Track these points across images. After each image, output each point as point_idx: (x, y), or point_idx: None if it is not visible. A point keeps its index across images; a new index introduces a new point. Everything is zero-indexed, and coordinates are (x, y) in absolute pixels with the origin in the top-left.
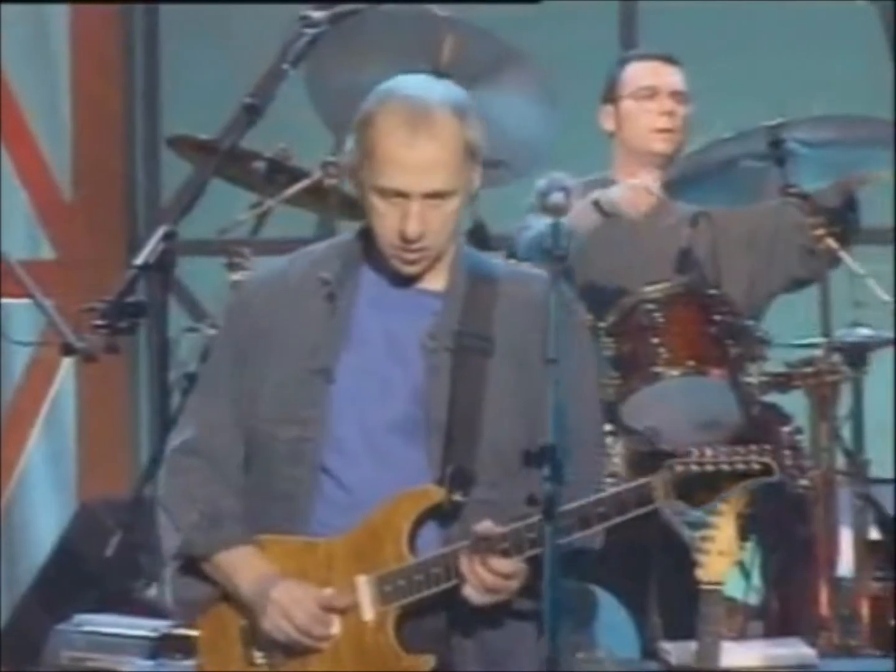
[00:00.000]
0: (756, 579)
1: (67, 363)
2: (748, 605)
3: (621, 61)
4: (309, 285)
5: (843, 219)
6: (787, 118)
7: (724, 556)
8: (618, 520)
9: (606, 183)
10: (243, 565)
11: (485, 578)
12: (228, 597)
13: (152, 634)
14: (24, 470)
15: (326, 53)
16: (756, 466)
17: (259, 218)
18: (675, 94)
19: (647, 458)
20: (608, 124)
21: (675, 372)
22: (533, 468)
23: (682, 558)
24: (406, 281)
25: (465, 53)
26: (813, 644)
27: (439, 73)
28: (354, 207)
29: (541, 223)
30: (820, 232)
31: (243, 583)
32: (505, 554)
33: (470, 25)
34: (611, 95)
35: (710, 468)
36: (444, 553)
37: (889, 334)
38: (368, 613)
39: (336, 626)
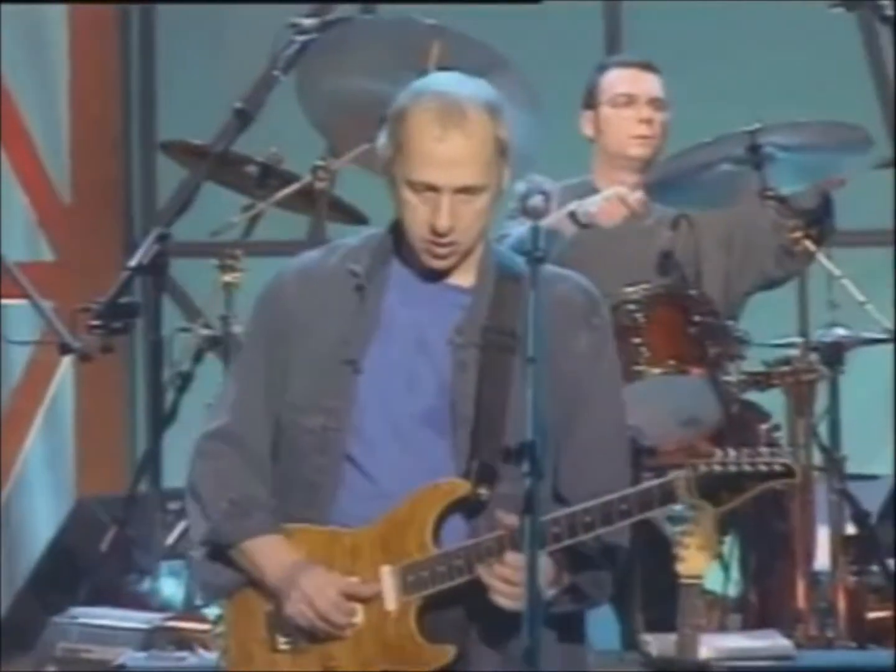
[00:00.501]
0: (735, 573)
1: (65, 363)
2: (727, 598)
3: (600, 68)
4: (340, 277)
5: (819, 220)
6: (764, 123)
7: (703, 551)
8: (640, 517)
9: (586, 186)
10: (270, 553)
11: (509, 576)
12: (254, 583)
13: (145, 626)
14: (22, 468)
15: (316, 60)
16: (777, 468)
17: (251, 220)
18: (653, 101)
19: (631, 456)
20: (587, 130)
21: (656, 371)
22: (512, 464)
23: (663, 553)
24: (435, 275)
25: (451, 60)
26: (790, 636)
27: None
28: (343, 211)
29: (520, 229)
30: (797, 234)
31: (270, 570)
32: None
33: (456, 32)
34: (590, 101)
35: (733, 469)
36: (467, 545)
37: (864, 334)
38: (391, 603)
39: (359, 615)
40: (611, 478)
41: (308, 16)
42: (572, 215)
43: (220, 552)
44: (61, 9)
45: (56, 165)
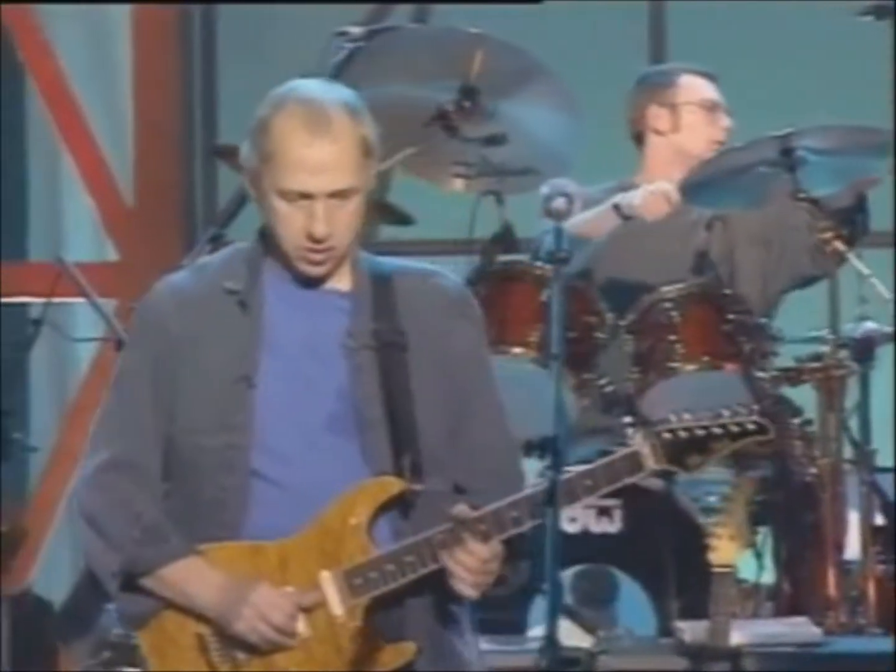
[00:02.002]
0: (768, 563)
1: None
2: (760, 586)
3: (668, 71)
4: (217, 296)
5: (851, 220)
6: (797, 127)
7: (734, 541)
8: (607, 489)
9: (626, 188)
10: (196, 575)
11: (470, 564)
12: (172, 606)
13: None
14: None
15: (362, 67)
16: (750, 426)
17: None
18: (727, 110)
19: None
20: (660, 125)
21: (690, 367)
22: (533, 457)
23: (696, 543)
24: (312, 282)
25: (494, 67)
26: (821, 623)
27: (469, 86)
28: (389, 212)
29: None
30: (828, 234)
31: (201, 592)
32: (485, 536)
33: (498, 40)
34: (663, 99)
35: (699, 432)
36: (417, 541)
37: (892, 330)
38: (338, 608)
39: (302, 625)
40: (509, 459)
41: (357, 24)
42: (616, 207)
43: (132, 582)
44: (124, 14)
45: (120, 168)
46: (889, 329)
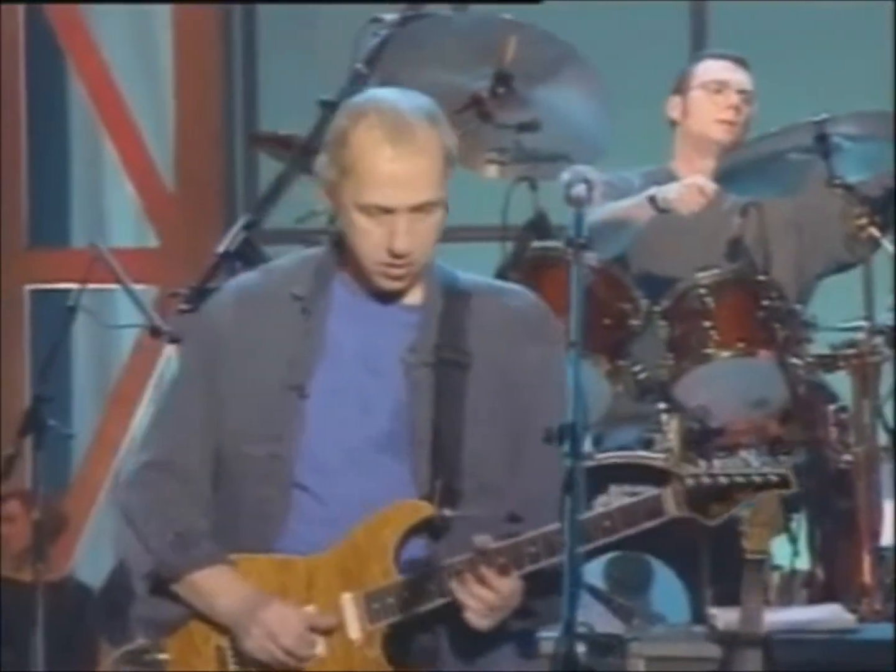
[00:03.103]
0: (803, 549)
1: (170, 347)
2: (795, 573)
3: (695, 58)
4: (281, 301)
5: (885, 208)
6: (832, 114)
7: (767, 529)
8: (624, 534)
9: (665, 173)
10: (221, 585)
11: (485, 597)
12: (200, 616)
13: None
14: (131, 442)
15: (397, 55)
16: (773, 478)
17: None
18: (742, 93)
19: (699, 435)
20: (674, 113)
21: (725, 353)
22: (554, 445)
23: (730, 530)
24: (382, 295)
25: (528, 54)
26: (854, 610)
27: (503, 73)
28: None
29: (599, 212)
30: (862, 221)
31: (223, 603)
32: (503, 569)
33: (532, 27)
34: (680, 87)
35: (723, 481)
36: (437, 569)
37: None
38: (355, 632)
39: (320, 646)
40: (552, 498)
41: (391, 12)
42: (652, 200)
43: (162, 586)
44: (166, 5)
45: (161, 156)
46: None
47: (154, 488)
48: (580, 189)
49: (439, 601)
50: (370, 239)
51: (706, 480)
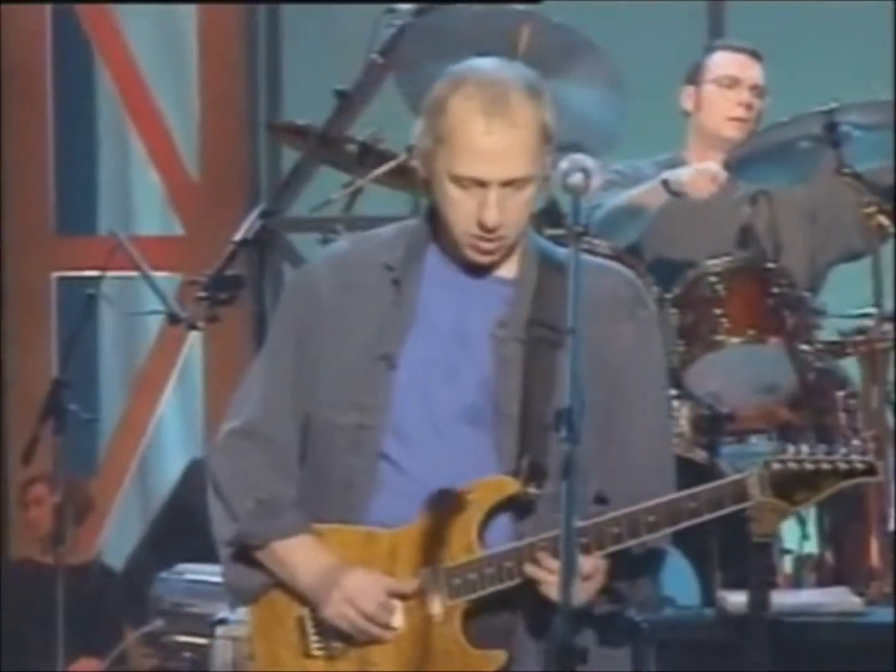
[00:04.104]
0: (812, 532)
1: (195, 333)
2: (804, 556)
3: (709, 48)
4: (374, 270)
5: (894, 197)
6: (841, 103)
7: (775, 512)
8: (709, 517)
9: (678, 162)
10: (303, 554)
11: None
12: (282, 585)
13: None
14: (157, 426)
15: (412, 45)
16: (859, 466)
17: (351, 196)
18: (755, 88)
19: (710, 421)
20: (687, 104)
21: (735, 340)
22: (556, 430)
23: (740, 514)
24: (476, 267)
25: (541, 43)
26: (862, 594)
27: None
28: None
29: (612, 200)
30: (872, 209)
31: (303, 571)
32: (585, 549)
33: (544, 17)
34: (694, 78)
35: (809, 467)
36: (519, 547)
37: None
38: (435, 607)
39: (399, 620)
40: (655, 477)
41: (406, 2)
42: (665, 183)
43: (245, 553)
44: None
45: (186, 145)
46: None
47: (238, 455)
48: (577, 178)
49: (518, 580)
50: (461, 209)
51: (793, 466)
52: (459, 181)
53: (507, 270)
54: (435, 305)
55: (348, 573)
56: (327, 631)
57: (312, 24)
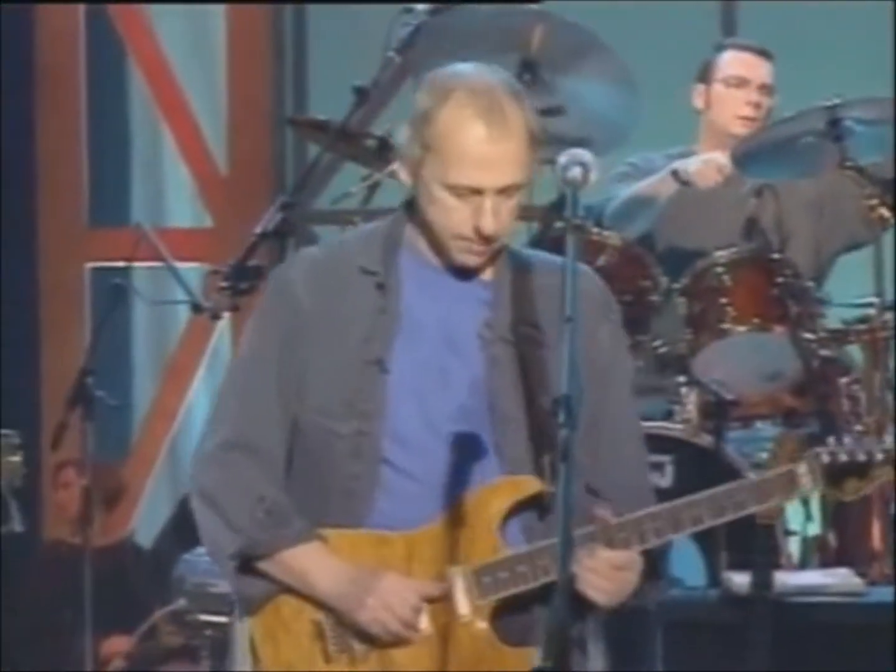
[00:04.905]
0: (816, 515)
1: (224, 320)
2: (808, 538)
3: (720, 46)
4: (352, 275)
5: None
6: (843, 99)
7: None
8: (755, 509)
9: (689, 156)
10: (319, 562)
11: (603, 571)
12: (289, 591)
13: None
14: (186, 414)
15: (427, 43)
16: None
17: (369, 190)
18: (763, 87)
19: (716, 407)
20: (698, 102)
21: (741, 329)
22: (554, 416)
23: None
24: (454, 270)
25: (553, 42)
26: (864, 575)
27: (529, 60)
28: None
29: (625, 192)
30: (873, 202)
31: (323, 578)
32: (625, 543)
33: (556, 16)
34: (705, 76)
35: (861, 457)
36: (553, 543)
37: None
38: (463, 607)
39: (424, 621)
40: (641, 470)
41: (423, 2)
42: (674, 173)
43: (250, 564)
44: None
45: (215, 140)
46: None
47: (234, 467)
48: (575, 171)
49: (552, 577)
50: (454, 216)
51: (843, 457)
52: (454, 189)
53: (484, 273)
54: (419, 308)
55: (382, 578)
56: (348, 635)
57: (337, 24)
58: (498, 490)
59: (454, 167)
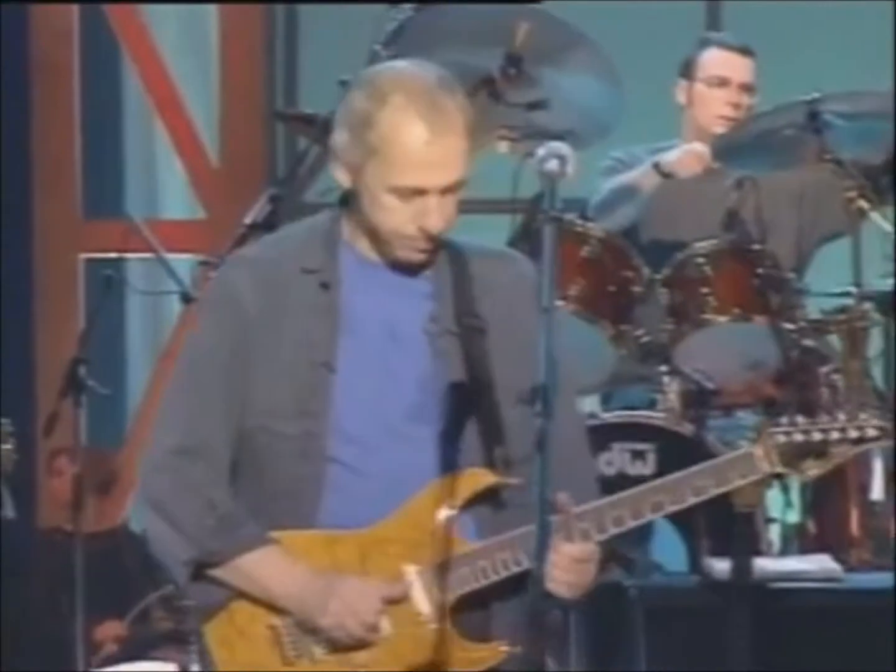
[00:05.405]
0: (795, 502)
1: None
2: (788, 525)
3: (702, 43)
4: (294, 274)
5: (877, 176)
6: (823, 93)
7: (757, 484)
8: (715, 493)
9: (668, 149)
10: (275, 567)
11: (564, 563)
12: (241, 597)
13: None
14: None
15: (413, 37)
16: (872, 432)
17: None
18: (744, 86)
19: (698, 396)
20: (681, 97)
21: (722, 319)
22: (530, 406)
23: None
24: (395, 265)
25: (537, 36)
26: (843, 560)
27: (514, 54)
28: None
29: (605, 185)
30: (852, 194)
31: (282, 584)
32: (585, 535)
33: (542, 11)
34: (686, 73)
35: (817, 436)
36: (514, 536)
37: None
38: (424, 605)
39: (385, 622)
40: (584, 447)
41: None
42: (656, 165)
43: (201, 572)
44: None
45: (208, 134)
46: None
47: (183, 473)
48: (553, 164)
49: (515, 569)
50: (399, 217)
51: (798, 437)
52: (398, 191)
53: (431, 262)
54: (363, 306)
55: (342, 582)
56: (307, 638)
57: (328, 20)
58: (451, 485)
59: (398, 170)
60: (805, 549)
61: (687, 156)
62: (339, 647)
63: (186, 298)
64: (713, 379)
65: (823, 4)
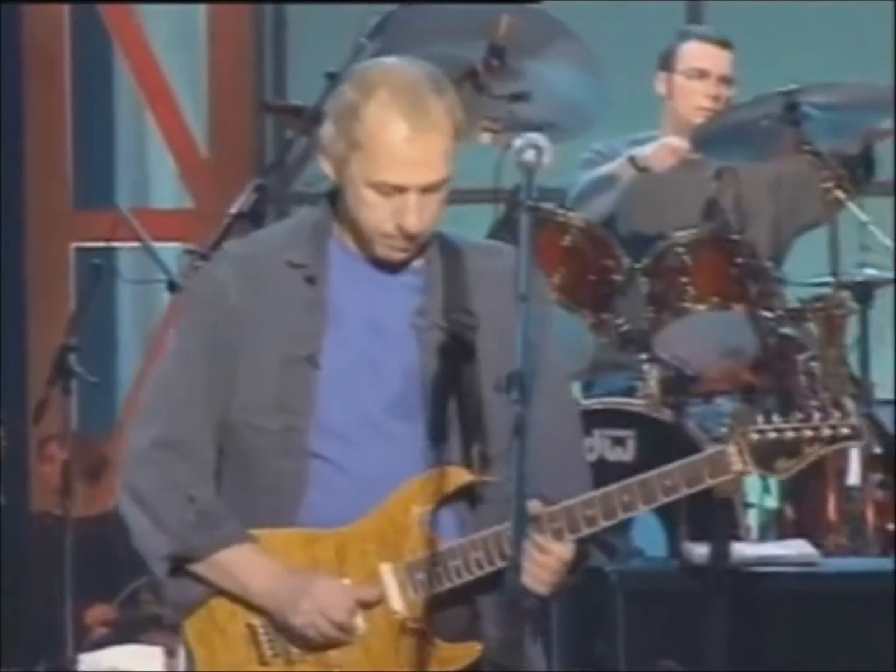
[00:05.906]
0: (773, 489)
1: None
2: (766, 510)
3: (682, 35)
4: (280, 268)
5: (853, 167)
6: (800, 84)
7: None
8: (688, 492)
9: (650, 141)
10: (253, 564)
11: (540, 561)
12: (222, 594)
13: None
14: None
15: (397, 30)
16: (844, 431)
17: None
18: (723, 79)
19: (677, 383)
20: (660, 89)
21: (701, 307)
22: (506, 394)
23: None
24: (385, 261)
25: (520, 28)
26: (820, 545)
27: (496, 46)
28: None
29: (584, 177)
30: (829, 184)
31: (259, 581)
32: (558, 534)
33: (522, 4)
34: (666, 64)
35: (789, 435)
36: (485, 536)
37: (890, 274)
38: (397, 604)
39: (359, 621)
40: (575, 444)
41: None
42: (631, 159)
43: (180, 567)
44: None
45: (197, 124)
46: (889, 275)
47: (165, 467)
48: (530, 154)
49: (489, 568)
50: (378, 213)
51: (771, 435)
52: (377, 186)
53: (414, 260)
54: (348, 301)
55: (316, 582)
56: (284, 637)
57: (316, 14)
58: (427, 483)
59: (378, 165)
60: (783, 535)
61: (662, 149)
62: (314, 647)
63: (173, 287)
64: (692, 366)
65: (805, 3)
